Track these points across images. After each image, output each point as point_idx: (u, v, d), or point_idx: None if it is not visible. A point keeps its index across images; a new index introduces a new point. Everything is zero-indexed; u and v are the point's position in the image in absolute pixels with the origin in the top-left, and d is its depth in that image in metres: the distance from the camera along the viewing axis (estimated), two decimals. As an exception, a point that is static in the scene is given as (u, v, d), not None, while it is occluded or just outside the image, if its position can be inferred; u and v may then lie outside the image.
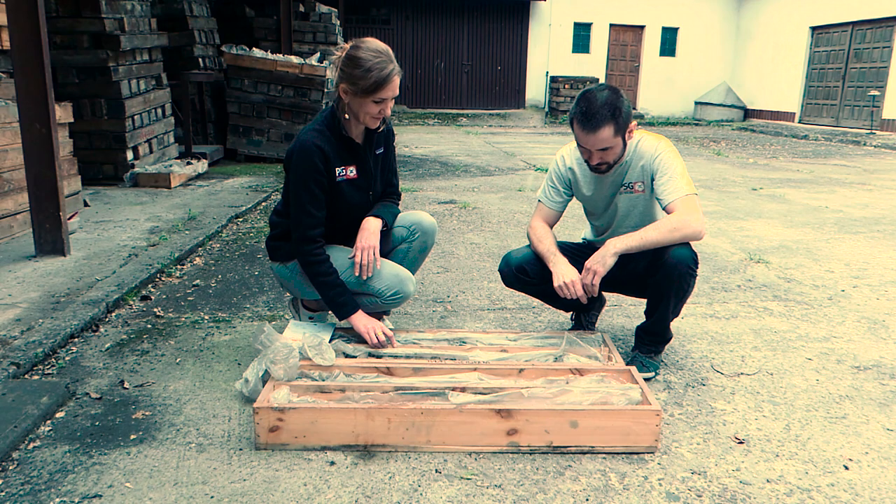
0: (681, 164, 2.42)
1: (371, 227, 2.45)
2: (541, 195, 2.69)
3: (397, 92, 2.31)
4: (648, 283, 2.44)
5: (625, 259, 2.42)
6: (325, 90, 8.12)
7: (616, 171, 2.48)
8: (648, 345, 2.56)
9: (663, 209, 2.41)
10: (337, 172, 2.41)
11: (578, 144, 2.41)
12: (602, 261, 2.33)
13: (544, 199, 2.66)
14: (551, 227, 2.65)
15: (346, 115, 2.36)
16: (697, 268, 2.44)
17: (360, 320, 2.43)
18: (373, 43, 2.28)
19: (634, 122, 2.41)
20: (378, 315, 2.81)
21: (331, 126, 2.39)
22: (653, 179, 2.44)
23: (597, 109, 2.27)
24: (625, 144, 2.39)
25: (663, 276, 2.34)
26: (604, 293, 2.92)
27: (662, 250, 2.33)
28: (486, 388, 2.13)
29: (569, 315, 3.03)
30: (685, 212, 2.32)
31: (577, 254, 2.71)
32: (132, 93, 6.23)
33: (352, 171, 2.45)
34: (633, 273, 2.51)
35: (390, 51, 2.30)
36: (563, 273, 2.41)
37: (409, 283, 2.50)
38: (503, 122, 16.94)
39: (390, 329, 2.56)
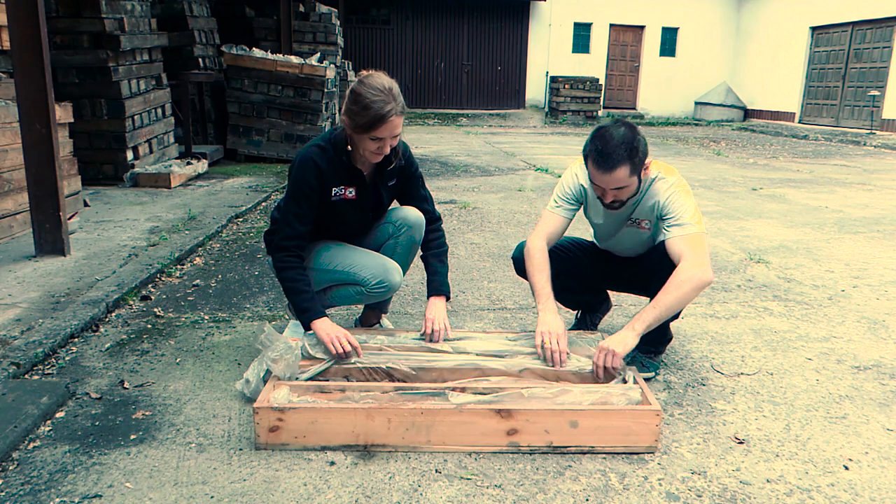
0: (692, 205, 2.33)
1: (438, 308, 2.48)
2: (549, 206, 2.58)
3: (397, 132, 2.24)
4: (652, 281, 2.44)
5: (635, 260, 2.41)
6: (325, 90, 8.12)
7: (627, 205, 2.41)
8: (648, 344, 2.56)
9: (666, 242, 2.34)
10: (333, 192, 2.38)
11: (593, 182, 2.34)
12: (623, 342, 2.20)
13: (553, 208, 2.55)
14: (554, 241, 2.56)
15: (349, 147, 2.34)
16: None
17: (324, 328, 2.28)
18: (377, 79, 2.21)
19: (650, 160, 2.34)
20: (377, 311, 2.82)
21: (335, 145, 2.35)
22: (660, 219, 2.37)
23: (613, 148, 2.20)
24: (640, 182, 2.33)
25: (667, 276, 2.33)
26: (609, 293, 2.92)
27: (667, 252, 2.32)
28: (486, 388, 2.13)
29: (573, 314, 3.03)
30: (690, 259, 2.22)
31: (587, 254, 2.70)
32: (132, 93, 6.23)
33: (351, 192, 2.41)
34: (644, 272, 2.50)
35: (395, 88, 2.22)
36: (548, 322, 2.32)
37: (395, 274, 2.47)
38: (503, 122, 16.94)
39: (390, 328, 2.56)
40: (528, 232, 4.81)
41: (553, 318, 2.33)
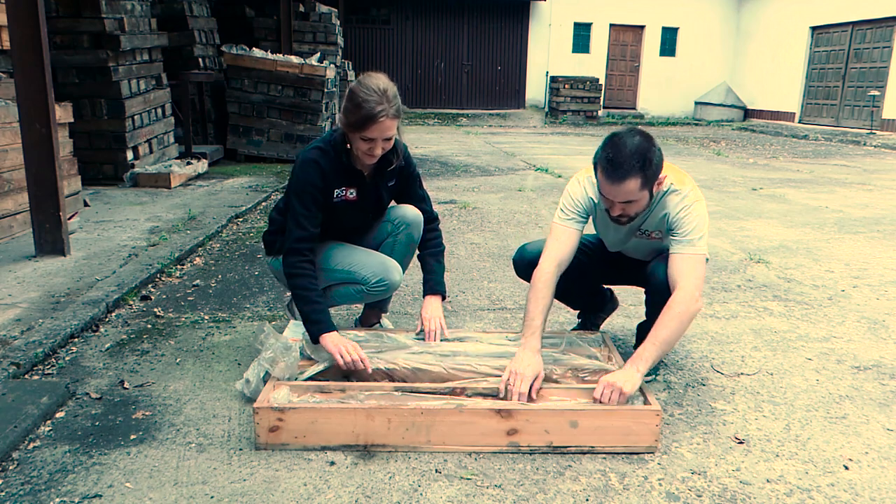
0: (702, 223, 2.23)
1: (435, 307, 2.49)
2: (558, 217, 2.40)
3: (388, 134, 2.21)
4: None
5: (643, 261, 2.41)
6: (325, 90, 8.12)
7: (635, 219, 2.30)
8: None
9: (669, 255, 2.26)
10: (335, 194, 2.38)
11: (601, 193, 2.21)
12: (631, 382, 2.04)
13: (564, 221, 2.38)
14: (567, 263, 2.37)
15: (348, 146, 2.34)
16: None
17: (331, 340, 2.24)
18: (374, 80, 2.20)
19: (664, 175, 2.20)
20: (377, 311, 2.82)
21: (335, 146, 2.35)
22: (670, 231, 2.27)
23: (625, 158, 2.07)
24: (651, 197, 2.21)
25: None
26: (614, 291, 2.91)
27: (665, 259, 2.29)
28: (486, 389, 2.13)
29: (574, 314, 3.03)
30: (685, 287, 2.15)
31: (592, 258, 2.66)
32: (132, 93, 6.23)
33: (352, 193, 2.42)
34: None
35: (391, 91, 2.20)
36: (522, 361, 2.13)
37: (395, 272, 2.47)
38: (503, 122, 16.93)
39: (390, 328, 2.56)
40: (529, 232, 4.85)
41: (529, 358, 2.15)
